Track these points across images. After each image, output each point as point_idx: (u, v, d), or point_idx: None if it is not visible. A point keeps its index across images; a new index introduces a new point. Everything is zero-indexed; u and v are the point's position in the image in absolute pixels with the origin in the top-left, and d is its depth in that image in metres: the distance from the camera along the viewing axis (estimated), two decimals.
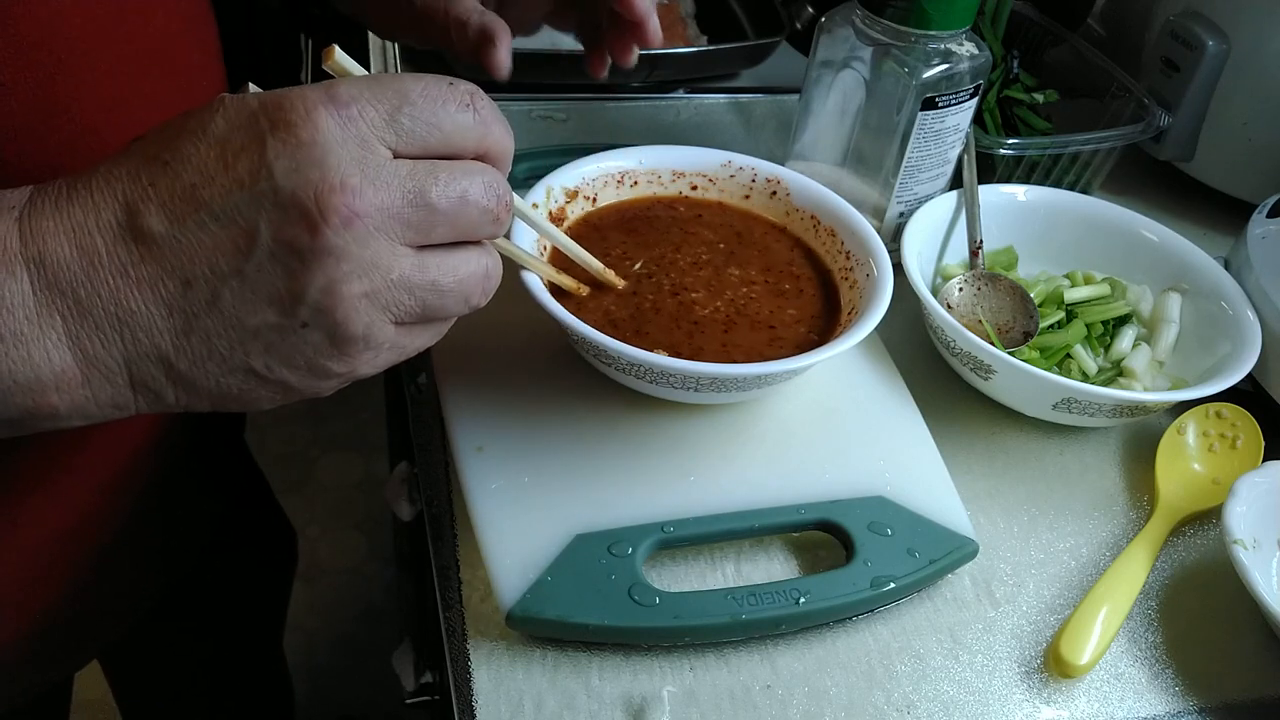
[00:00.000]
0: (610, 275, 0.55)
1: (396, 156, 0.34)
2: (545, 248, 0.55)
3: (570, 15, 0.62)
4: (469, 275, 0.37)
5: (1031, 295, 0.65)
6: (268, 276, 0.33)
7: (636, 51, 0.60)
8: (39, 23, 0.40)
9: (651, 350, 0.50)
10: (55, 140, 0.43)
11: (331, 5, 0.66)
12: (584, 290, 0.55)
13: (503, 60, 0.54)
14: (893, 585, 0.50)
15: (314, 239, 0.33)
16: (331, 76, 0.36)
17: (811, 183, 0.62)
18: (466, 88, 0.36)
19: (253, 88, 0.35)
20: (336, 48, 0.36)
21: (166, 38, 0.49)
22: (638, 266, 0.57)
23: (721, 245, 0.60)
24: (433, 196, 0.35)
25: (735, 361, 0.52)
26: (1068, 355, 0.64)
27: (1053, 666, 0.50)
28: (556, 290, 0.53)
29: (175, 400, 0.36)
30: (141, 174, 0.33)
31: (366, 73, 0.37)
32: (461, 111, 0.35)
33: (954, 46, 0.64)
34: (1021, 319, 0.64)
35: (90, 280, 0.33)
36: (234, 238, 0.33)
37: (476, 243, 0.38)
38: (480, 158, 0.37)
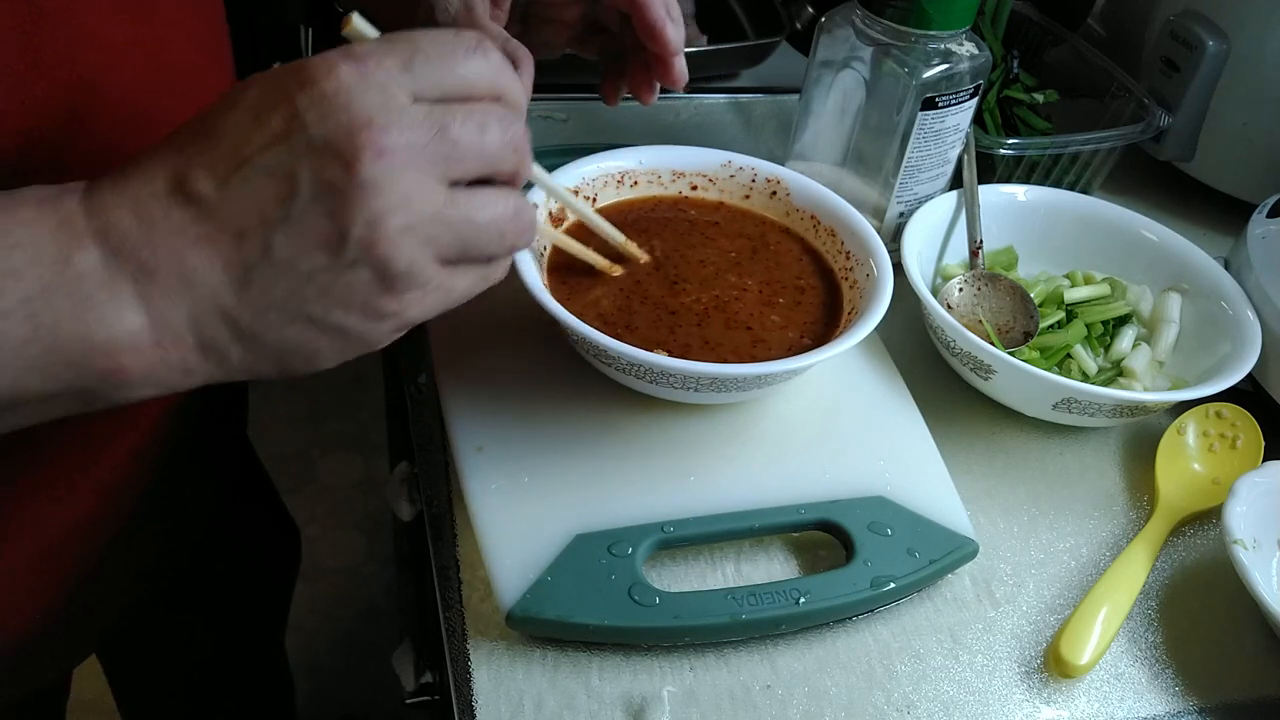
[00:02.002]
0: (632, 248, 0.56)
1: (415, 101, 0.36)
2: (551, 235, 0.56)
3: (594, 40, 0.61)
4: (500, 213, 0.39)
5: (1031, 295, 0.65)
6: (313, 219, 0.35)
7: (657, 90, 0.59)
8: (63, 42, 0.42)
9: (642, 346, 0.50)
10: (77, 154, 0.44)
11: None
12: (616, 270, 0.56)
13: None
14: (893, 585, 0.50)
15: (350, 174, 0.35)
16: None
17: (811, 183, 0.62)
18: (473, 35, 0.38)
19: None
20: (355, 14, 0.38)
21: (183, 59, 0.51)
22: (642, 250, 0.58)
23: (733, 254, 0.60)
24: (454, 131, 0.37)
25: (721, 360, 0.52)
26: (1068, 355, 0.64)
27: (1053, 666, 0.50)
28: (581, 271, 0.54)
29: (239, 362, 0.37)
30: (186, 146, 0.36)
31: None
32: (470, 56, 0.37)
33: (954, 46, 0.64)
34: (1021, 319, 0.64)
35: (151, 244, 0.35)
36: (277, 187, 0.35)
37: (506, 186, 0.40)
38: (495, 100, 0.39)
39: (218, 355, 0.37)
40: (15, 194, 0.35)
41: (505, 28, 0.56)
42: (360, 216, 0.35)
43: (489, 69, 0.38)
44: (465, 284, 0.40)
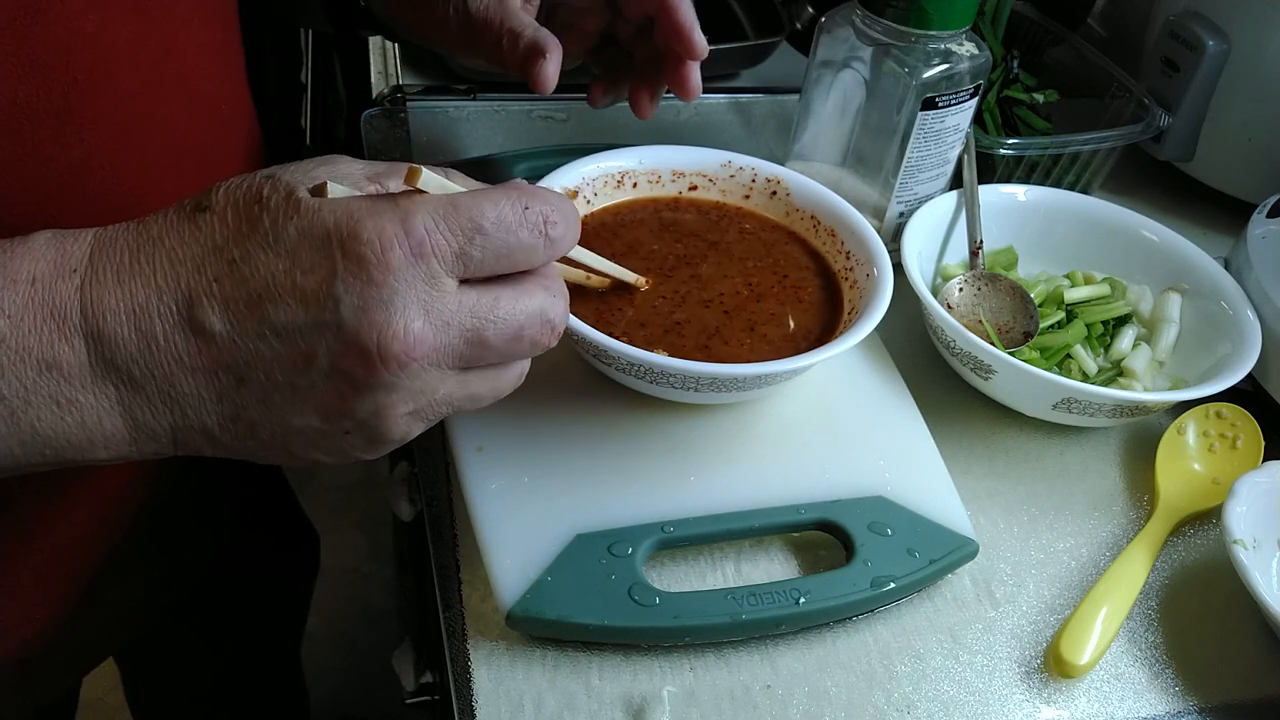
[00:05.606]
0: (630, 276, 0.55)
1: (461, 285, 0.35)
2: None
3: (604, 53, 0.63)
4: (506, 386, 0.39)
5: (1031, 295, 0.65)
6: (320, 393, 0.35)
7: (658, 104, 0.61)
8: (57, 42, 0.41)
9: (642, 346, 0.50)
10: (67, 160, 0.44)
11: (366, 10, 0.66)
12: (644, 282, 0.56)
13: (551, 74, 0.54)
14: (893, 585, 0.50)
15: (369, 374, 0.34)
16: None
17: (811, 183, 0.62)
18: (541, 212, 0.36)
19: (332, 188, 0.35)
20: (424, 169, 0.36)
21: (193, 64, 0.50)
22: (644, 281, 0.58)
23: (732, 254, 0.60)
24: (489, 335, 0.36)
25: (721, 361, 0.52)
26: (1068, 355, 0.64)
27: (1053, 666, 0.50)
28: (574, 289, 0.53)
29: (213, 454, 0.37)
30: (207, 266, 0.34)
31: (451, 187, 0.37)
32: (533, 238, 0.36)
33: (954, 46, 0.64)
34: (1021, 319, 0.64)
35: (145, 361, 0.34)
36: (292, 356, 0.34)
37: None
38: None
39: (192, 450, 0.37)
40: (6, 264, 0.34)
41: None
42: (368, 405, 0.35)
43: (547, 250, 0.37)
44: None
